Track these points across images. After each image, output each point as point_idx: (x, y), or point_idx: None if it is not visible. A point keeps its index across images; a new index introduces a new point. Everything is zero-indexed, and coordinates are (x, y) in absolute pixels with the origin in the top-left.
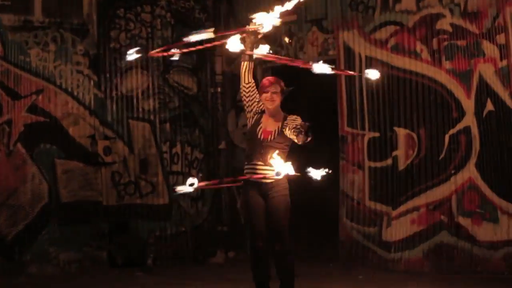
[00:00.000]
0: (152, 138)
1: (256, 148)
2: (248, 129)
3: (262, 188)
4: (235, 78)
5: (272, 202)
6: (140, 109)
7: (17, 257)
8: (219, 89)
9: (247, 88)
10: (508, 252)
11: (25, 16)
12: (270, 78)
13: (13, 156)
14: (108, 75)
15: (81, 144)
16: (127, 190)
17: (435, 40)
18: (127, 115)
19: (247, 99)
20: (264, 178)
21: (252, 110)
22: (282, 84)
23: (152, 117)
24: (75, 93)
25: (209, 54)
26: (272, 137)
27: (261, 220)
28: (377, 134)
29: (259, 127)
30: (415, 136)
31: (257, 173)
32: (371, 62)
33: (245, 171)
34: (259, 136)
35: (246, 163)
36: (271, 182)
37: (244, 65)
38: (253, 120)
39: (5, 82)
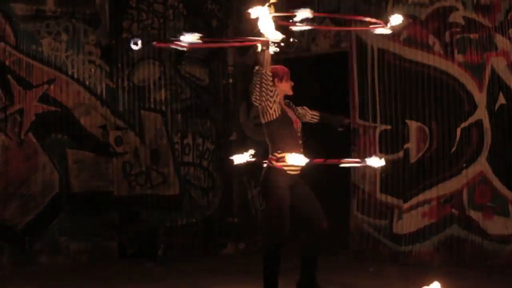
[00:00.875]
0: (163, 128)
1: (296, 138)
2: (278, 118)
3: (296, 177)
4: (247, 69)
5: (305, 186)
6: (152, 100)
7: (28, 247)
8: (230, 80)
9: (270, 77)
10: None
11: (37, 6)
12: (284, 67)
13: (24, 145)
14: (120, 65)
15: (92, 134)
16: (138, 180)
17: (447, 33)
18: (139, 105)
19: (271, 88)
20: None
21: (276, 100)
22: None
23: (163, 107)
24: (87, 83)
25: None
26: (300, 127)
27: (288, 213)
28: (388, 127)
29: (289, 116)
30: (427, 129)
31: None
32: (383, 55)
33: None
34: (294, 125)
35: (290, 153)
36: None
37: (269, 54)
38: (279, 110)
39: (17, 72)
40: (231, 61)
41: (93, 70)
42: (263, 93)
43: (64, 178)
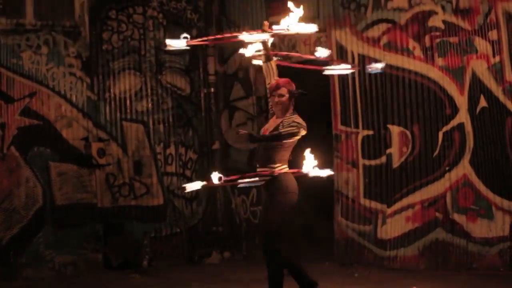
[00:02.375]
0: (145, 139)
1: (258, 149)
2: None
3: (265, 187)
4: (228, 78)
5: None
6: (134, 111)
7: (13, 261)
8: (212, 90)
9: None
10: (503, 248)
11: (17, 19)
12: (279, 80)
13: (7, 159)
14: (101, 77)
15: (74, 147)
16: (121, 191)
17: (427, 37)
18: (121, 116)
19: (269, 101)
20: (259, 178)
21: (270, 112)
22: (292, 86)
23: (145, 118)
24: (68, 96)
25: (201, 54)
26: (268, 131)
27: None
28: (371, 132)
29: (263, 128)
30: (408, 133)
31: (256, 174)
32: (363, 60)
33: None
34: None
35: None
36: (271, 179)
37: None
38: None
39: None
40: (211, 70)
41: (74, 82)
42: None
43: (47, 191)
